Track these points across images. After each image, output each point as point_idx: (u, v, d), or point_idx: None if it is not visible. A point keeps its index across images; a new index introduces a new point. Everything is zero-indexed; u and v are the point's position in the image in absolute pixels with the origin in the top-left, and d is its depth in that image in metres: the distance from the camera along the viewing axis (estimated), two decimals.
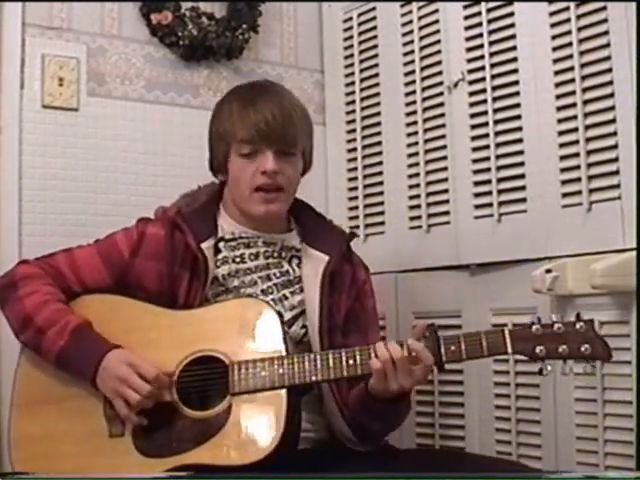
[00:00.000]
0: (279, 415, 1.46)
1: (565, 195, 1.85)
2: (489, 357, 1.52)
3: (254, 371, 1.50)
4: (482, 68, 2.02)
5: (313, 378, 1.50)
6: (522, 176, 1.93)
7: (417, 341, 1.49)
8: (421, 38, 2.19)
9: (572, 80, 1.82)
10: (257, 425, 1.48)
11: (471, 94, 2.05)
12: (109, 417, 1.55)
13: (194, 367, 1.55)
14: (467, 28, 2.06)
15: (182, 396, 1.53)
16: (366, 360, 1.49)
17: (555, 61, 1.86)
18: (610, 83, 1.76)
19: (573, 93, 1.82)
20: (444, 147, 2.12)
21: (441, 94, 2.13)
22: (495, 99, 1.99)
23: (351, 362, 1.50)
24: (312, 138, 1.78)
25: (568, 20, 1.83)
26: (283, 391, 1.49)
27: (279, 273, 1.72)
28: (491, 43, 2.00)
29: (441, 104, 2.13)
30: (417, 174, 2.19)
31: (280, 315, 1.62)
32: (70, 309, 1.62)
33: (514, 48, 1.95)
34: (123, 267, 1.68)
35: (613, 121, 1.75)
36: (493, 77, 1.99)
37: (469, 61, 2.05)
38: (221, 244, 1.72)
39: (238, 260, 1.71)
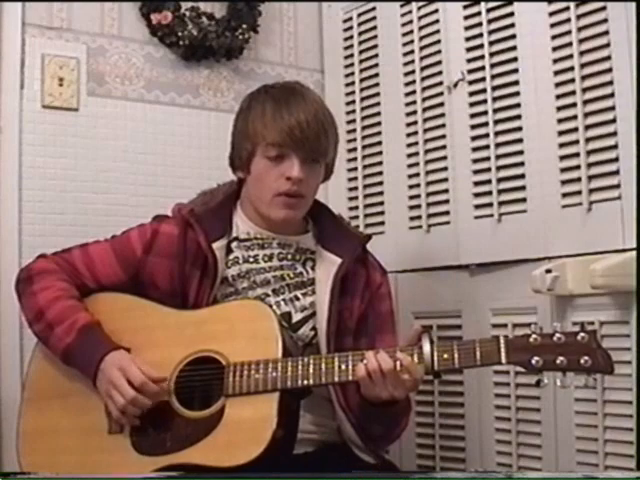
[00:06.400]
0: (270, 418, 1.46)
1: (565, 195, 1.85)
2: (483, 367, 1.48)
3: (249, 373, 1.50)
4: (482, 68, 2.02)
5: (305, 382, 1.49)
6: (522, 176, 1.93)
7: (410, 347, 1.48)
8: (421, 38, 2.19)
9: (572, 80, 1.82)
10: (247, 427, 1.47)
11: (471, 94, 2.05)
12: (109, 413, 1.56)
13: (193, 367, 1.56)
14: (467, 28, 2.06)
15: (180, 396, 1.54)
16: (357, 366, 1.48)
17: (555, 61, 1.86)
18: (610, 83, 1.76)
19: (573, 93, 1.82)
20: (444, 147, 2.12)
21: (441, 94, 2.13)
22: (495, 99, 1.99)
23: (343, 367, 1.49)
24: (337, 148, 1.76)
25: (568, 20, 1.83)
26: (276, 394, 1.48)
27: (293, 274, 1.71)
28: (491, 43, 2.00)
29: (441, 104, 2.13)
30: (417, 174, 2.18)
31: (289, 316, 1.63)
32: (81, 306, 1.64)
33: (514, 48, 1.95)
34: (136, 264, 1.69)
35: (613, 121, 1.75)
36: (493, 77, 1.99)
37: (469, 61, 2.05)
38: (234, 244, 1.71)
39: (251, 260, 1.70)
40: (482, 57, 2.02)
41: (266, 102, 1.67)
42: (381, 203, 2.30)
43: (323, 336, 1.64)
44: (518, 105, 1.94)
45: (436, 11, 2.15)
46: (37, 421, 1.62)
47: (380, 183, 2.31)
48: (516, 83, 1.95)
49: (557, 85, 1.86)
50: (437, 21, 2.14)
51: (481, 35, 2.02)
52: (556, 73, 1.86)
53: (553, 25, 1.87)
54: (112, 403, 1.53)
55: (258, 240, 1.72)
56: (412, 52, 2.20)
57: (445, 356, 1.45)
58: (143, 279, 1.69)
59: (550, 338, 1.41)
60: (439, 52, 2.13)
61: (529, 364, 1.41)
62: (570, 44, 1.83)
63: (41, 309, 1.62)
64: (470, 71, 2.05)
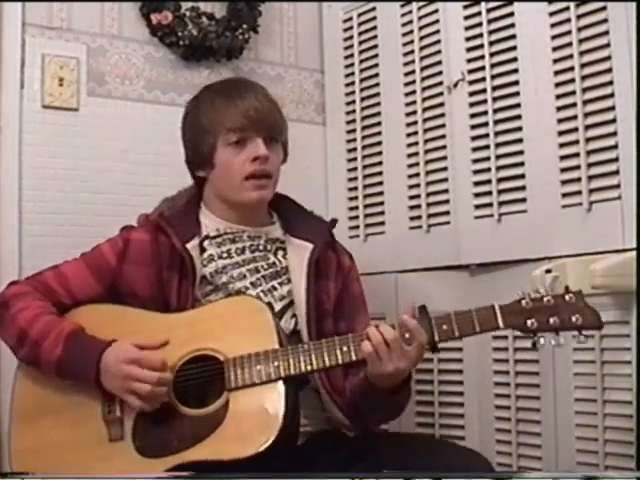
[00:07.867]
0: (277, 407, 1.47)
1: (565, 195, 1.85)
2: (481, 333, 1.51)
3: (249, 365, 1.51)
4: (482, 68, 2.02)
5: (308, 367, 1.51)
6: (522, 176, 1.93)
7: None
8: (421, 38, 2.19)
9: (572, 80, 1.83)
10: (256, 417, 1.48)
11: (471, 94, 2.05)
12: (108, 421, 1.55)
13: (190, 366, 1.55)
14: (467, 28, 2.06)
15: (180, 395, 1.54)
16: (359, 345, 1.50)
17: (555, 61, 1.86)
18: (610, 83, 1.76)
19: (573, 93, 1.82)
20: (444, 147, 2.12)
21: (441, 94, 2.13)
22: (495, 99, 1.99)
23: (345, 349, 1.51)
24: (287, 131, 1.80)
25: (568, 20, 1.83)
26: (280, 383, 1.49)
27: (266, 265, 1.73)
28: (491, 43, 2.00)
29: (441, 104, 2.13)
30: (417, 174, 2.19)
31: (271, 307, 1.63)
32: (62, 318, 1.63)
33: (514, 48, 1.95)
34: (112, 275, 1.68)
35: (613, 121, 1.75)
36: (493, 77, 1.99)
37: (469, 61, 2.05)
38: (206, 242, 1.73)
39: (225, 256, 1.71)
40: (482, 57, 2.02)
41: (214, 97, 1.73)
42: (381, 203, 2.30)
43: (304, 322, 1.66)
44: (518, 105, 1.94)
45: (436, 11, 2.15)
46: (30, 440, 1.59)
47: (380, 183, 2.31)
48: (516, 83, 1.95)
49: (557, 85, 1.86)
50: (437, 21, 2.14)
51: (481, 35, 2.02)
52: (556, 73, 1.86)
53: (553, 25, 1.87)
54: (132, 396, 1.50)
55: (229, 235, 1.74)
56: (412, 52, 2.20)
57: (444, 327, 1.50)
58: (121, 289, 1.68)
59: (540, 301, 1.48)
60: (439, 52, 2.13)
61: (525, 326, 1.48)
62: (570, 44, 1.83)
63: (23, 330, 1.59)
64: (470, 71, 2.05)
